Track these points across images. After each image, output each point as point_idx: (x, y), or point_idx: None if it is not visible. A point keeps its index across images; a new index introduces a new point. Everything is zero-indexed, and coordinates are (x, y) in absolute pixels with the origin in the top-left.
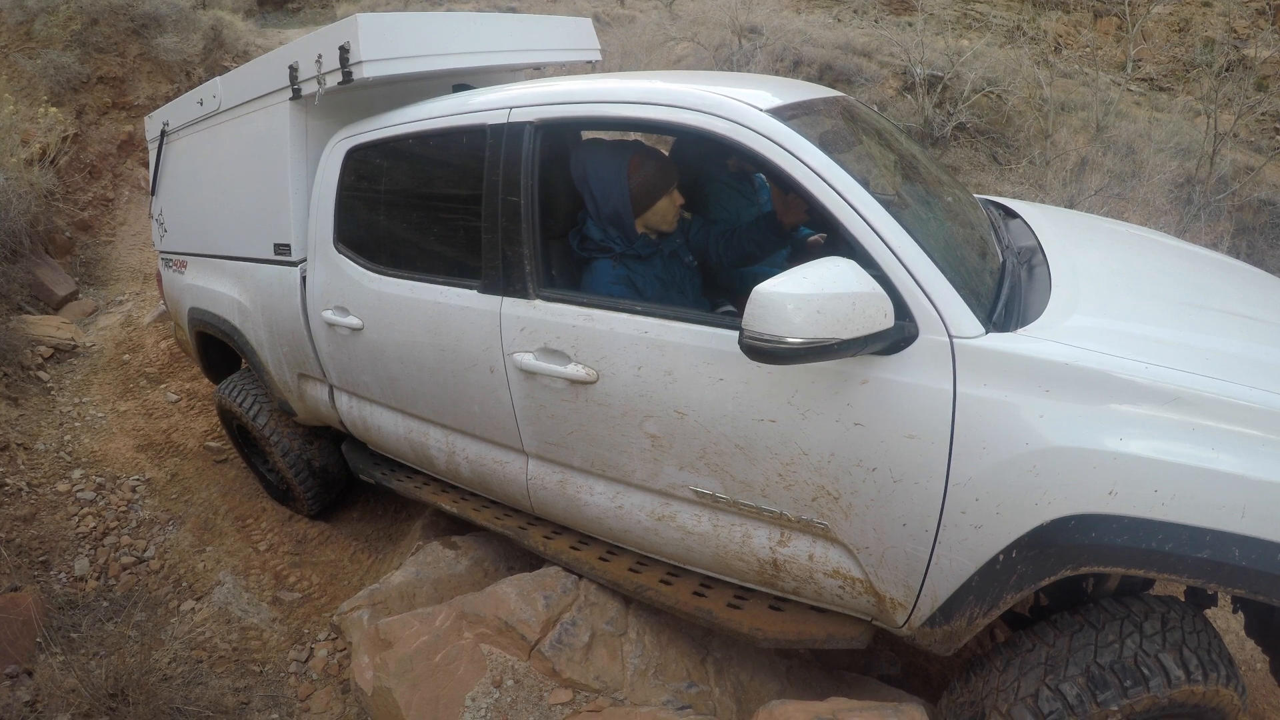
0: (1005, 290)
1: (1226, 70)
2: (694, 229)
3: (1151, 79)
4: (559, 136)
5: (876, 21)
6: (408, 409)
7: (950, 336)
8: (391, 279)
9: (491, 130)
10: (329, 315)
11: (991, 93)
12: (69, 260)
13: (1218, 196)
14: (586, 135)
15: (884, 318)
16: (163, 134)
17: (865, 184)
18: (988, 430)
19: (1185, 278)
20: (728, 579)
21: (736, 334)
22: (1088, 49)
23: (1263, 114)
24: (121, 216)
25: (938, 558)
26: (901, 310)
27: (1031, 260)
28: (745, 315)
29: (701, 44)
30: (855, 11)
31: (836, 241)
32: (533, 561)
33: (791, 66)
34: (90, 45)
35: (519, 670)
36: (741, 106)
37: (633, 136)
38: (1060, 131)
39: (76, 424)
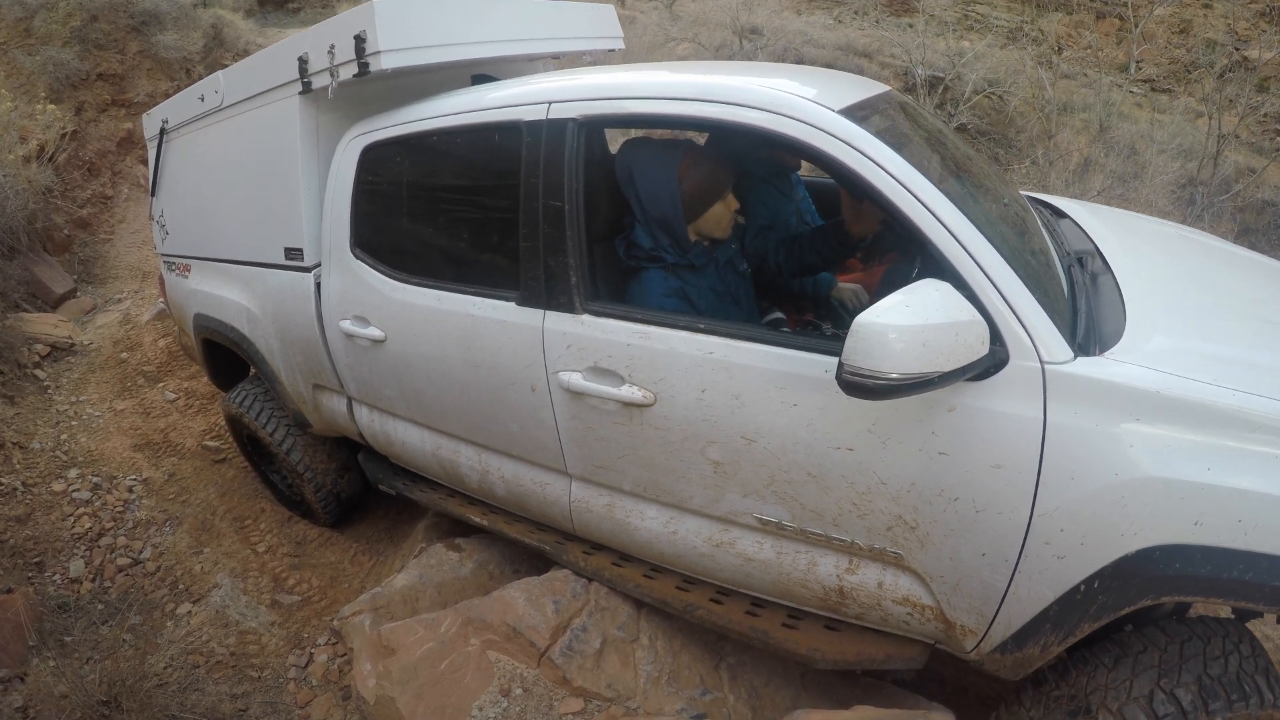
0: (1082, 308)
1: (1228, 71)
2: (749, 235)
3: (1152, 80)
4: (604, 134)
5: (877, 22)
6: (436, 425)
7: (1042, 362)
8: (416, 288)
9: (529, 127)
10: (347, 325)
11: (993, 94)
12: (67, 258)
13: (1220, 198)
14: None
15: (982, 346)
16: (162, 131)
17: (951, 195)
18: (1077, 460)
19: (1242, 286)
20: (784, 602)
21: (812, 356)
22: (1089, 50)
23: (1264, 115)
24: (120, 214)
25: (1016, 587)
26: (994, 335)
27: (1093, 268)
28: (846, 348)
29: (702, 44)
30: (856, 13)
31: (921, 257)
32: (539, 564)
33: None
34: (90, 42)
35: (528, 678)
36: (815, 107)
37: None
38: (1062, 132)
39: (73, 423)
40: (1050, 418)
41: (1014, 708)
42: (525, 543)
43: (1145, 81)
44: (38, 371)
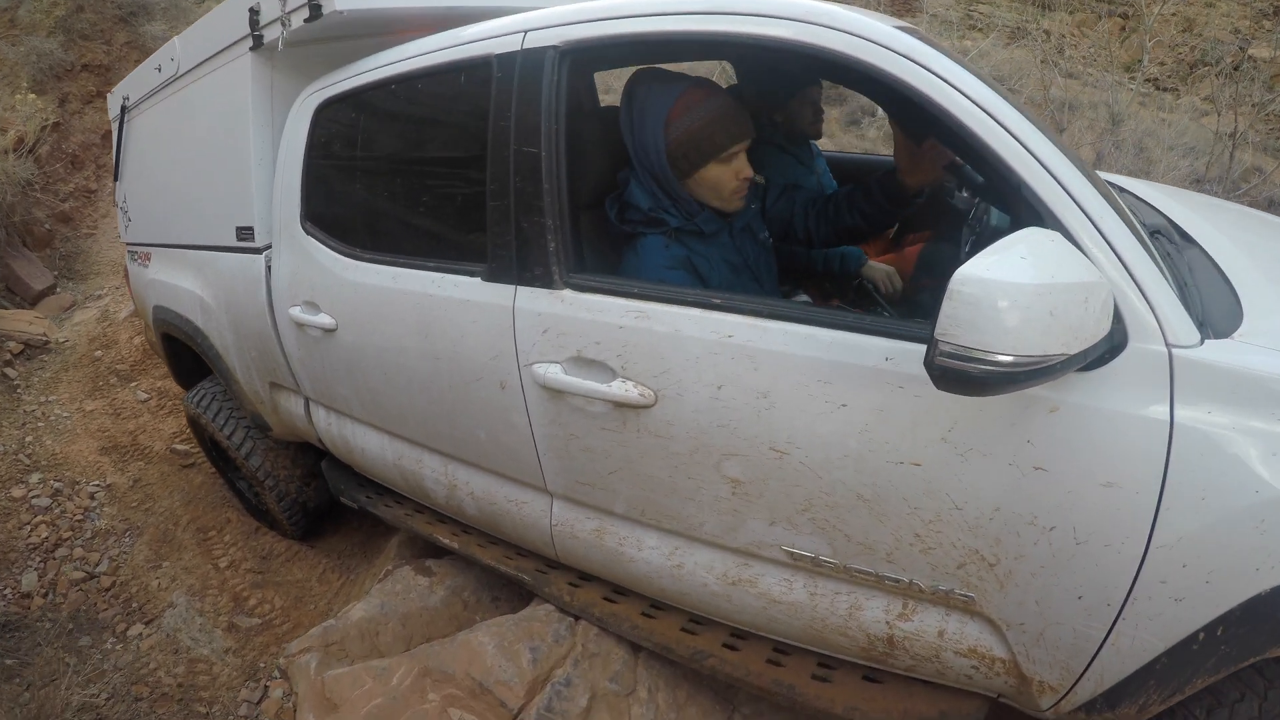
0: (1185, 276)
1: (1235, 69)
2: (772, 196)
3: (1157, 80)
4: (593, 66)
5: None
6: (395, 430)
7: (1168, 346)
8: (370, 265)
9: (500, 61)
10: (296, 313)
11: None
12: (48, 253)
13: (1234, 194)
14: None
15: (1106, 320)
16: (123, 110)
17: (1041, 129)
18: (1209, 474)
19: None
20: (814, 649)
21: (869, 340)
22: (1094, 49)
23: (1269, 114)
24: (104, 209)
25: (1116, 636)
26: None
27: (1176, 241)
28: (942, 317)
29: None
30: None
31: (973, 228)
32: (523, 591)
33: None
34: (75, 32)
35: None
36: (866, 19)
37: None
38: (1073, 126)
39: (40, 424)
40: (1179, 418)
41: None
42: (501, 571)
43: (1149, 81)
44: (8, 370)
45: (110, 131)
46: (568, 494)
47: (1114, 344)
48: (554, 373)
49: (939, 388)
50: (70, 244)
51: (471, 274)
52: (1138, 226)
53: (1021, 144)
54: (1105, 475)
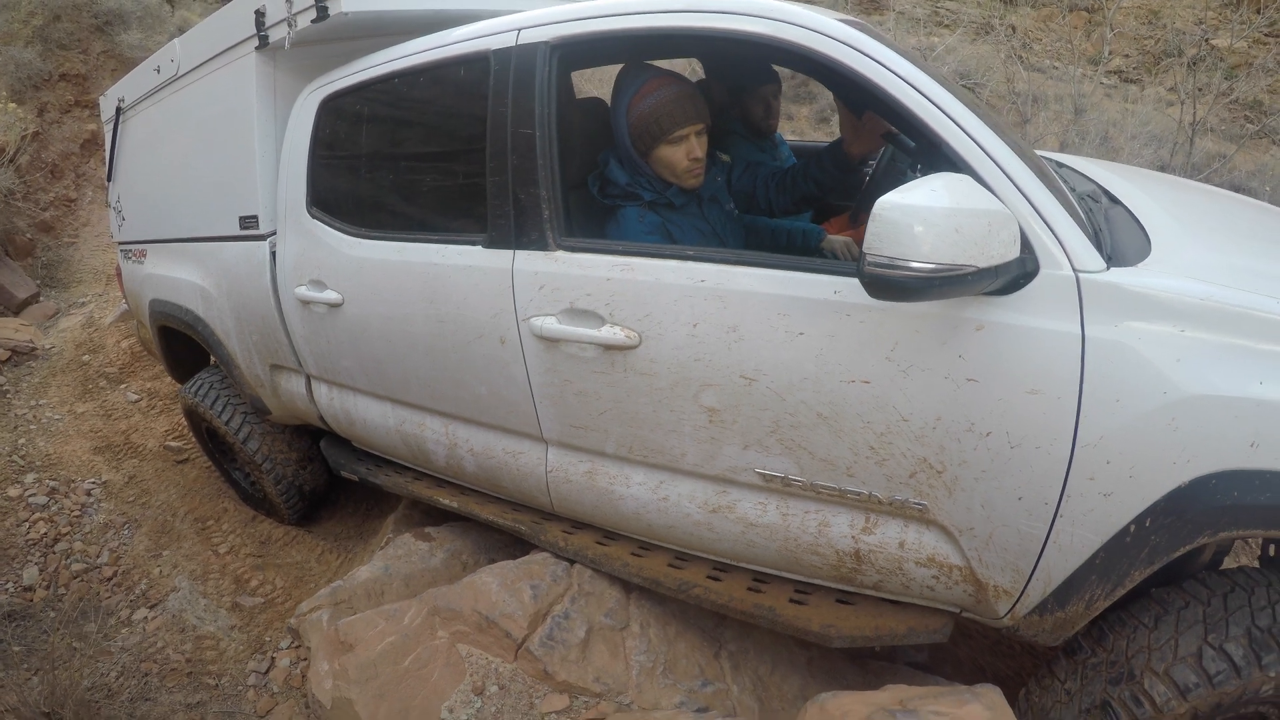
0: (1102, 226)
1: (1197, 60)
2: (737, 172)
3: (1121, 71)
4: (579, 60)
5: None
6: (398, 397)
7: (1075, 271)
8: (375, 242)
9: (497, 56)
10: (303, 291)
11: (964, 86)
12: (30, 262)
13: (1196, 179)
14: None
15: (1014, 246)
16: (118, 111)
17: (961, 100)
18: (1121, 380)
19: (1248, 215)
20: (790, 575)
21: (818, 276)
22: (1058, 43)
23: (1232, 103)
24: (84, 217)
25: (1057, 534)
26: (1020, 241)
27: (1103, 200)
28: (868, 235)
29: None
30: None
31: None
32: (517, 552)
33: None
34: (52, 42)
35: (504, 674)
36: (815, 14)
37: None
38: (1038, 117)
39: (32, 427)
40: (1089, 332)
41: (1046, 681)
42: (500, 524)
43: (1114, 73)
44: None
45: (90, 140)
46: (562, 439)
47: (1027, 270)
48: (549, 324)
49: (870, 294)
50: (52, 253)
51: (473, 243)
52: (1050, 175)
53: (939, 108)
54: (1029, 384)
